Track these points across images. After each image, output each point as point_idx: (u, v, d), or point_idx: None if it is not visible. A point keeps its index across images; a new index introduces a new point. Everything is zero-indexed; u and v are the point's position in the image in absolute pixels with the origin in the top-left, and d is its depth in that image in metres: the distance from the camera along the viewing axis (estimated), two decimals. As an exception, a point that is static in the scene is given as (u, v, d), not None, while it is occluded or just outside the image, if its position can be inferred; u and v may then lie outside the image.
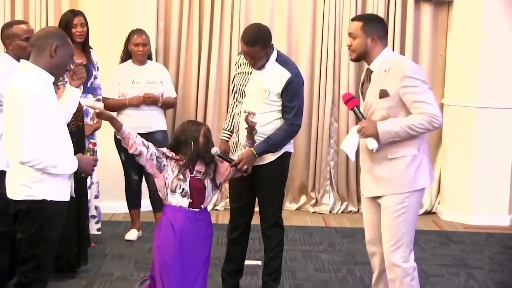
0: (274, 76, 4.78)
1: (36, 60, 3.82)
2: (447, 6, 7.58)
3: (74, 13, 6.04)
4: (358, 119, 4.34)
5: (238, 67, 5.00)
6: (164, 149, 4.26)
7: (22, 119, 3.66)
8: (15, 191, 3.83)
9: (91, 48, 6.13)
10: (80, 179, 4.92)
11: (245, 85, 4.89)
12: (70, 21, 5.92)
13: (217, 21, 7.50)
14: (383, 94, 4.17)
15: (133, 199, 6.45)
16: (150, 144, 4.20)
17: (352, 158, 4.39)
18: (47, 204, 3.79)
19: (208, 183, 4.26)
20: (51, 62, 3.83)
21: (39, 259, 3.86)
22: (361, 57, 4.31)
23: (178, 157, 4.22)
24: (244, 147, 4.61)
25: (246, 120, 4.52)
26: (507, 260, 6.28)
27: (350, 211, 7.73)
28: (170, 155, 4.22)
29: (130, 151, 4.15)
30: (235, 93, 5.00)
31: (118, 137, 4.16)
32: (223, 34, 7.53)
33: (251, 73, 4.88)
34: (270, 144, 4.75)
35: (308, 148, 7.72)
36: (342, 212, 7.72)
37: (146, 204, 6.44)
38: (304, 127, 7.61)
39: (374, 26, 4.27)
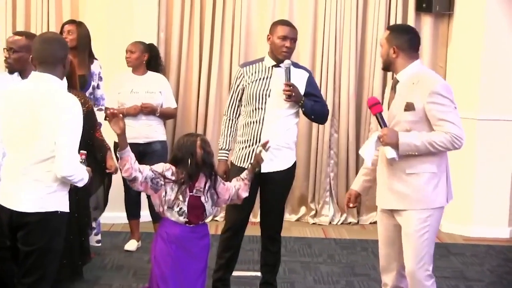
0: (295, 80, 4.96)
1: (51, 70, 3.79)
2: (448, 17, 7.60)
3: (66, 22, 6.19)
4: (380, 126, 4.26)
5: (250, 76, 5.03)
6: (163, 167, 4.18)
7: (65, 133, 3.68)
8: (26, 204, 3.76)
9: (96, 59, 6.14)
10: (84, 193, 4.97)
11: (267, 89, 4.97)
12: (62, 28, 6.08)
13: (218, 31, 7.52)
14: (409, 107, 4.13)
15: (132, 210, 6.45)
16: (145, 168, 4.11)
17: (369, 163, 4.35)
18: (58, 216, 3.79)
19: (208, 200, 4.21)
20: (63, 72, 3.87)
21: (46, 270, 3.84)
22: (386, 66, 4.32)
23: (175, 177, 4.14)
24: (241, 179, 4.48)
25: (258, 156, 4.51)
26: (507, 273, 6.26)
27: (350, 222, 7.72)
28: (170, 173, 4.15)
29: (124, 175, 4.07)
30: (252, 101, 5.00)
31: (117, 154, 4.09)
32: (224, 44, 7.55)
33: (270, 77, 4.98)
34: (312, 106, 5.00)
35: (308, 159, 7.72)
36: (341, 223, 7.72)
37: (145, 215, 6.44)
38: (304, 138, 7.64)
39: (397, 37, 4.24)
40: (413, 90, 4.14)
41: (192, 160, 4.13)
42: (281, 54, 4.95)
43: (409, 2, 7.58)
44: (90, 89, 6.06)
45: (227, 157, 5.13)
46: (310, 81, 5.11)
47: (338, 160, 7.73)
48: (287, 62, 4.92)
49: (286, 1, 7.61)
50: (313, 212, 7.74)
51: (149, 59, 6.37)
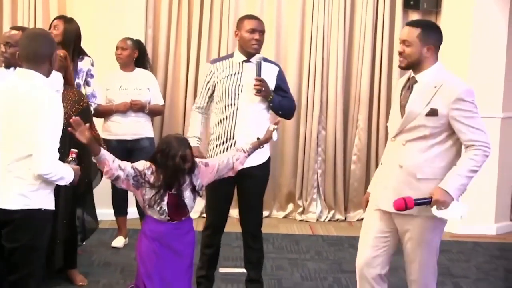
0: (265, 75, 4.97)
1: (38, 67, 3.76)
2: (435, 14, 7.61)
3: (57, 17, 6.16)
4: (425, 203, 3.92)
5: (221, 73, 5.04)
6: (144, 165, 4.15)
7: (44, 130, 3.65)
8: (10, 201, 3.76)
9: (87, 56, 6.06)
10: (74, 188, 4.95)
11: (239, 85, 4.98)
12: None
13: (206, 29, 7.51)
14: (432, 113, 3.90)
15: (119, 206, 6.44)
16: (127, 165, 4.08)
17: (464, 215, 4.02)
18: (41, 213, 3.78)
19: (188, 196, 4.18)
20: (50, 70, 3.84)
21: (31, 267, 3.83)
22: (412, 66, 4.03)
23: (154, 177, 4.11)
24: (243, 151, 4.50)
25: (269, 133, 4.53)
26: (493, 270, 6.29)
27: (337, 219, 7.74)
28: (150, 171, 4.12)
29: (105, 176, 4.06)
30: (224, 97, 5.01)
31: (94, 160, 4.05)
32: (211, 42, 7.54)
33: (241, 72, 4.99)
34: (279, 101, 5.02)
35: (296, 156, 7.73)
36: (329, 220, 7.73)
37: (132, 211, 6.43)
38: (291, 135, 7.65)
39: (432, 36, 4.00)
40: (434, 94, 3.92)
41: (171, 173, 4.08)
42: (251, 47, 4.96)
43: (397, -1, 7.61)
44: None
45: (199, 143, 5.12)
46: (280, 76, 5.14)
47: (326, 157, 7.74)
48: (258, 56, 4.94)
49: (274, 2, 7.61)
50: (300, 209, 7.75)
51: (137, 56, 6.36)
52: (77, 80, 6.04)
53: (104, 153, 4.01)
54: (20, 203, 3.74)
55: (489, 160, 7.04)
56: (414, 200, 3.88)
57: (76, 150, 4.02)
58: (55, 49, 3.89)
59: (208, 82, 5.10)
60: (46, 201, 3.81)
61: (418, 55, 3.98)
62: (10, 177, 3.74)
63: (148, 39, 7.51)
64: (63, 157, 3.88)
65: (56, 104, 3.74)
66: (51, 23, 6.10)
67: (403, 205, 3.88)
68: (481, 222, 7.30)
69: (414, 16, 7.60)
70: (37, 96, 3.71)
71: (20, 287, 3.84)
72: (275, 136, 4.52)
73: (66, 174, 3.78)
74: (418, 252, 4.08)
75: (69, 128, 3.86)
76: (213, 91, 5.09)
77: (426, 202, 3.90)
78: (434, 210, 3.91)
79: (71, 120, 3.88)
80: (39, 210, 3.77)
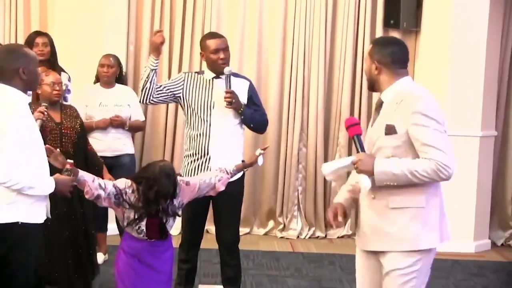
0: (236, 89, 5.02)
1: (9, 81, 3.79)
2: (415, 34, 7.68)
3: (37, 33, 6.16)
4: (357, 151, 3.71)
5: (190, 84, 5.07)
6: (125, 183, 4.15)
7: (0, 142, 3.64)
8: None
9: (63, 71, 6.10)
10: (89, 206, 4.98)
11: (211, 101, 5.02)
12: (32, 40, 5.96)
13: (188, 45, 7.53)
14: (390, 130, 3.60)
15: (99, 223, 6.37)
16: (108, 183, 4.09)
17: (328, 177, 3.80)
18: (19, 227, 3.74)
19: (167, 217, 4.18)
20: (22, 83, 3.83)
21: (11, 284, 3.79)
22: (371, 85, 3.79)
23: (135, 196, 4.12)
24: (226, 172, 4.52)
25: (255, 158, 4.59)
26: (471, 287, 6.32)
27: (318, 236, 7.75)
28: (131, 190, 4.12)
29: (86, 196, 4.05)
30: (197, 112, 5.04)
31: (74, 182, 4.02)
32: (193, 58, 7.56)
33: (212, 88, 5.03)
34: (251, 114, 5.08)
35: (277, 173, 7.74)
36: (309, 237, 7.73)
37: (112, 228, 6.40)
38: (272, 152, 7.66)
39: (379, 51, 3.72)
40: (395, 111, 3.62)
41: (151, 201, 4.08)
42: (219, 67, 5.02)
43: (377, 18, 7.66)
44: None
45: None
46: (252, 89, 5.20)
47: (307, 174, 7.76)
48: (227, 69, 4.99)
49: (255, 19, 7.65)
50: (281, 226, 7.76)
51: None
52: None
53: (83, 174, 4.01)
54: None
55: (468, 179, 7.23)
56: (356, 134, 3.67)
57: (71, 161, 4.01)
58: (24, 63, 3.83)
59: (174, 83, 5.10)
60: (26, 214, 3.76)
61: (369, 73, 3.76)
62: None
63: (129, 55, 7.52)
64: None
65: (18, 112, 3.71)
66: (32, 39, 6.03)
67: (351, 122, 3.72)
68: (460, 239, 7.32)
69: (394, 35, 7.62)
70: (1, 107, 3.73)
71: None
72: (260, 161, 4.58)
73: (37, 184, 3.73)
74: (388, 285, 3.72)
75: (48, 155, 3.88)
76: (174, 98, 5.10)
77: (357, 148, 3.67)
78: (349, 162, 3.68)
79: (45, 146, 3.91)
80: (15, 223, 3.73)
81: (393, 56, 3.70)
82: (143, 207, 4.08)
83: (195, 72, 5.25)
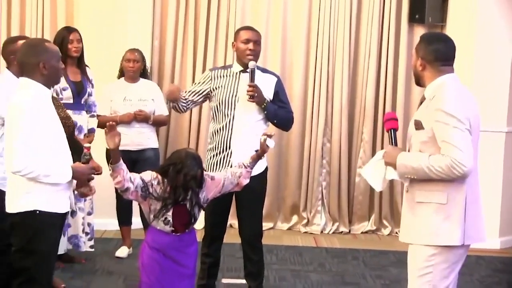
0: (262, 84, 5.01)
1: (31, 75, 3.87)
2: (440, 28, 7.62)
3: (69, 29, 6.10)
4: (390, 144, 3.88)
5: (218, 81, 5.09)
6: (151, 176, 4.18)
7: (15, 131, 3.72)
8: (10, 204, 3.87)
9: (87, 66, 6.17)
10: None
11: (235, 96, 5.02)
12: (66, 37, 5.96)
13: (212, 40, 7.55)
14: (418, 125, 3.71)
15: (124, 217, 6.46)
16: (136, 177, 4.11)
17: (377, 188, 3.94)
18: (38, 216, 3.80)
19: (193, 207, 4.19)
20: (44, 77, 3.88)
21: (31, 272, 3.85)
22: (416, 79, 3.87)
23: (161, 187, 4.13)
24: (244, 166, 4.51)
25: (263, 144, 4.50)
26: (496, 283, 6.29)
27: (341, 231, 7.74)
28: (156, 182, 4.14)
29: (116, 186, 4.07)
30: (221, 107, 5.06)
31: (109, 167, 4.06)
32: (217, 53, 7.58)
33: (238, 82, 5.04)
34: (275, 110, 5.05)
35: (301, 168, 7.74)
36: (333, 232, 7.73)
37: (137, 222, 6.44)
38: (296, 147, 7.68)
39: (424, 48, 3.78)
40: (427, 107, 3.72)
41: (180, 188, 4.10)
42: (245, 58, 5.02)
43: (402, 13, 7.63)
44: (86, 96, 6.07)
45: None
46: (279, 86, 5.18)
47: (331, 169, 7.76)
48: (252, 63, 4.97)
49: (279, 13, 7.65)
50: (305, 221, 7.76)
51: (142, 66, 6.43)
52: (88, 89, 6.08)
53: (122, 163, 4.04)
54: (16, 205, 3.82)
55: (494, 174, 7.18)
56: (391, 129, 3.86)
57: (89, 146, 4.05)
58: (45, 57, 3.89)
59: (202, 85, 5.13)
60: (46, 203, 3.82)
61: (414, 68, 3.85)
62: (11, 181, 3.86)
63: (154, 50, 7.55)
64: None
65: (25, 103, 3.77)
66: (64, 35, 6.00)
67: (389, 117, 3.93)
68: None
69: (420, 30, 7.62)
70: (12, 98, 3.85)
71: None
72: (271, 143, 4.50)
73: (53, 172, 3.79)
74: (408, 283, 3.83)
75: (105, 129, 3.96)
76: (205, 98, 5.14)
77: (391, 141, 3.84)
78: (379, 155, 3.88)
79: (108, 124, 3.98)
80: (34, 212, 3.80)
81: (436, 54, 3.76)
82: (169, 196, 4.09)
83: (221, 68, 5.25)
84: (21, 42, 4.72)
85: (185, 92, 5.19)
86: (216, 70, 5.20)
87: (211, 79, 5.10)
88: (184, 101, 5.10)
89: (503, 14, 7.18)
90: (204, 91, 5.12)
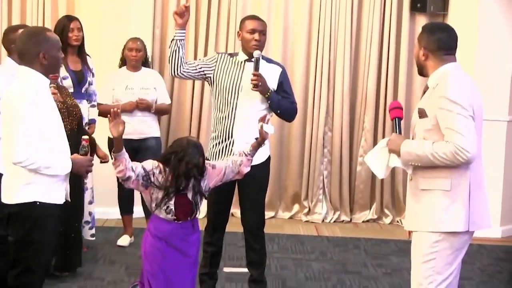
0: (266, 74, 4.97)
1: (30, 64, 3.85)
2: (442, 17, 7.62)
3: (69, 18, 6.09)
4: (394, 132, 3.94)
5: (222, 65, 5.05)
6: (152, 165, 4.18)
7: (16, 122, 3.70)
8: (8, 195, 3.86)
9: (88, 55, 6.16)
10: (77, 180, 4.94)
11: (239, 84, 4.99)
12: (66, 26, 5.95)
13: (213, 29, 7.54)
14: (422, 113, 3.74)
15: (125, 205, 6.47)
16: (137, 166, 4.10)
17: (380, 175, 3.96)
18: (37, 207, 3.80)
19: (195, 196, 4.19)
20: (43, 67, 3.87)
21: (29, 262, 3.86)
22: (419, 69, 3.91)
23: (163, 175, 4.13)
24: (245, 155, 4.49)
25: (261, 131, 4.49)
26: (497, 272, 6.30)
27: (343, 220, 7.75)
28: (158, 171, 4.14)
29: (118, 175, 4.06)
30: (224, 94, 5.02)
31: (112, 155, 4.05)
32: (218, 42, 7.57)
33: (242, 71, 5.00)
34: (279, 100, 5.01)
35: (302, 157, 7.75)
36: (334, 221, 7.74)
37: (138, 211, 6.45)
38: (297, 136, 7.68)
39: (426, 38, 3.82)
40: (430, 96, 3.75)
41: (181, 176, 4.09)
42: (251, 48, 4.98)
43: (404, 2, 7.61)
44: (87, 85, 6.07)
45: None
46: (284, 76, 5.15)
47: (332, 158, 7.76)
48: (257, 53, 4.93)
49: (281, 2, 7.64)
50: (306, 210, 7.77)
51: (143, 55, 6.43)
52: (89, 79, 6.08)
53: (125, 152, 4.04)
54: (14, 196, 3.81)
55: (495, 163, 7.18)
56: (396, 117, 3.94)
57: (87, 137, 4.05)
58: (45, 47, 3.86)
59: (208, 62, 5.07)
60: (44, 194, 3.82)
61: (417, 58, 3.89)
62: (9, 171, 3.84)
63: (155, 39, 7.55)
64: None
65: (25, 94, 3.75)
66: (65, 24, 5.97)
67: (393, 106, 4.01)
68: (487, 225, 7.30)
69: (421, 19, 7.61)
70: (10, 88, 3.84)
71: (21, 282, 3.87)
72: (270, 129, 4.48)
73: (54, 164, 3.78)
74: (412, 270, 3.87)
75: (108, 116, 3.94)
76: (201, 76, 5.06)
77: (395, 130, 3.91)
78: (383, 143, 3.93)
79: (112, 110, 3.95)
80: (34, 203, 3.79)
81: (439, 43, 3.80)
82: (171, 185, 4.10)
83: (228, 54, 5.21)
84: (22, 31, 4.72)
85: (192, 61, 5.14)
86: (222, 54, 5.16)
87: (216, 61, 5.07)
88: (185, 64, 5.01)
89: (505, 3, 7.17)
90: (206, 70, 5.04)
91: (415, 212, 3.81)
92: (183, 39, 4.96)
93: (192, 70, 5.03)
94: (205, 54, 7.50)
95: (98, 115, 6.17)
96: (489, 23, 7.19)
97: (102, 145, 5.82)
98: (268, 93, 4.96)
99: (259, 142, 4.50)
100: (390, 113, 4.01)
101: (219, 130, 5.04)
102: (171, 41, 4.99)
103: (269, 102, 4.99)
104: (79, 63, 6.04)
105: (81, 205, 5.68)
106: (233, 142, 4.97)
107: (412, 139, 3.87)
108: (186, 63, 5.00)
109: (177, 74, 5.02)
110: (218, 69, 5.03)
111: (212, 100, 5.16)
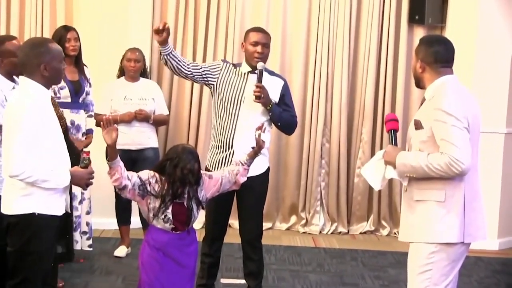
0: (269, 86, 4.99)
1: (31, 75, 3.83)
2: (440, 30, 7.63)
3: (66, 28, 6.08)
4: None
5: (226, 75, 5.06)
6: (148, 174, 4.18)
7: (15, 134, 3.69)
8: (6, 206, 3.85)
9: (86, 66, 6.15)
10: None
11: (242, 95, 5.00)
12: (63, 36, 5.94)
13: (211, 40, 7.54)
14: (417, 125, 3.78)
15: (122, 216, 6.46)
16: (133, 175, 4.12)
17: (376, 187, 3.98)
18: (36, 218, 3.79)
19: (192, 205, 4.20)
20: (45, 78, 3.86)
21: (27, 273, 3.85)
22: (416, 81, 3.93)
23: (159, 184, 4.13)
24: (241, 164, 4.48)
25: (258, 140, 4.51)
26: (494, 284, 6.29)
27: (340, 232, 7.74)
28: (154, 180, 4.15)
29: (114, 184, 4.07)
30: (226, 105, 5.02)
31: (108, 164, 4.06)
32: (217, 53, 7.57)
33: (245, 82, 5.01)
34: (280, 112, 5.03)
35: (300, 168, 7.74)
36: (332, 233, 7.73)
37: (135, 221, 6.44)
38: (295, 148, 7.67)
39: (424, 50, 3.85)
40: (426, 108, 3.79)
41: (178, 183, 4.10)
42: (253, 60, 5.00)
43: (402, 14, 7.63)
44: (84, 95, 6.06)
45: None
46: (285, 89, 5.18)
47: (330, 169, 7.76)
48: (260, 64, 4.96)
49: (279, 13, 7.65)
50: (303, 221, 7.76)
51: (142, 66, 6.43)
52: (86, 89, 6.07)
53: (120, 160, 4.05)
54: (13, 207, 3.80)
55: (492, 176, 7.18)
56: (391, 129, 3.94)
57: (88, 151, 4.04)
58: (46, 58, 3.85)
59: (211, 71, 5.04)
60: (43, 206, 3.81)
61: (414, 70, 3.92)
62: (8, 183, 3.83)
63: (154, 50, 7.54)
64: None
65: (25, 106, 3.73)
66: (62, 34, 5.93)
67: (389, 118, 4.02)
68: (484, 237, 7.29)
69: (419, 31, 7.62)
70: (11, 100, 3.84)
71: None
72: (265, 138, 4.52)
73: (51, 177, 3.76)
74: (408, 282, 3.88)
75: (97, 124, 3.94)
76: (202, 79, 5.03)
77: (391, 142, 3.92)
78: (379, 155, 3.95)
79: (104, 118, 3.96)
80: (32, 214, 3.78)
81: (436, 56, 3.83)
82: (167, 193, 4.09)
83: (232, 64, 5.21)
84: (9, 43, 4.65)
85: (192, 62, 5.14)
86: (227, 64, 5.16)
87: (220, 69, 5.07)
88: (184, 62, 4.99)
89: (503, 15, 7.19)
90: (209, 76, 5.03)
91: (409, 223, 3.84)
92: (170, 52, 4.92)
93: (196, 73, 5.04)
94: (204, 62, 7.50)
95: (96, 125, 6.16)
96: (487, 36, 7.21)
97: (100, 155, 5.80)
98: (270, 105, 4.97)
99: (256, 151, 4.52)
100: (386, 125, 4.04)
101: (219, 140, 5.04)
102: (160, 55, 4.98)
103: (270, 114, 5.00)
104: (76, 73, 6.02)
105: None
106: (233, 152, 4.97)
107: (408, 150, 3.89)
108: (188, 65, 5.01)
109: (180, 76, 5.07)
110: (221, 78, 5.04)
111: (213, 109, 5.16)
